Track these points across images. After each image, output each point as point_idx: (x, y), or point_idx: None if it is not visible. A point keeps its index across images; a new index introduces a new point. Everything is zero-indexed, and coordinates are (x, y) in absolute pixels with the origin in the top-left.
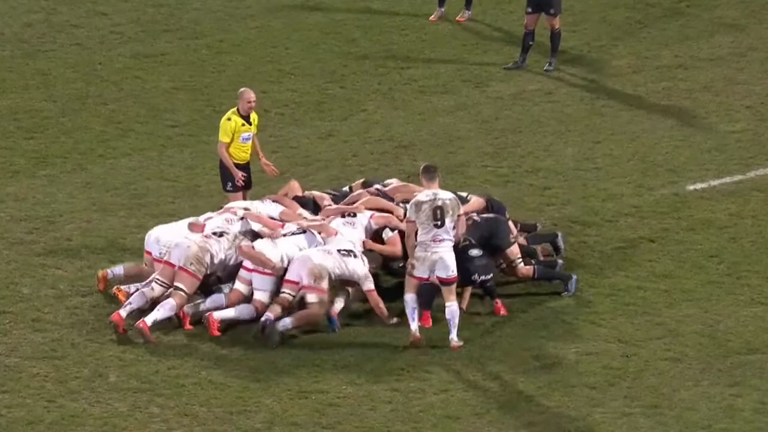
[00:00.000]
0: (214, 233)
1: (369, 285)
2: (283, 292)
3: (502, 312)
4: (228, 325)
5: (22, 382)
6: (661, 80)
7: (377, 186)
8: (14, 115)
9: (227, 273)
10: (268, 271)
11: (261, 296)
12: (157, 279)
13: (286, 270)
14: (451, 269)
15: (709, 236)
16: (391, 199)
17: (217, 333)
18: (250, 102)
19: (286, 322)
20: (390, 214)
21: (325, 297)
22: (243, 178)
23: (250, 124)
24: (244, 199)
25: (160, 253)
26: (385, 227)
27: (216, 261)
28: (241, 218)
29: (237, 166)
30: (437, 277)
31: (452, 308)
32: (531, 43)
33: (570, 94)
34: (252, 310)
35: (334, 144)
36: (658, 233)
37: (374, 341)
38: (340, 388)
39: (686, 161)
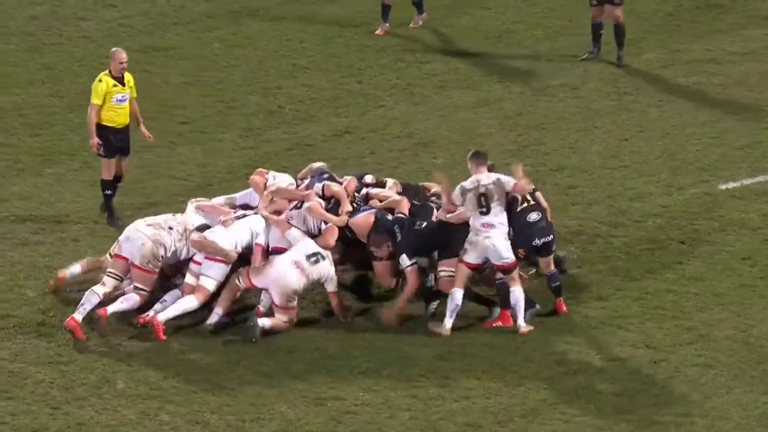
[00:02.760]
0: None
1: (332, 287)
2: (238, 280)
3: (564, 310)
4: (177, 327)
5: (27, 389)
6: (692, 75)
7: (367, 180)
8: (19, 111)
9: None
10: (221, 259)
11: (206, 283)
12: (110, 272)
13: (242, 259)
14: (504, 256)
15: (742, 237)
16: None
17: (163, 337)
18: (122, 62)
19: (266, 321)
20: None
21: (294, 315)
22: (97, 144)
23: (124, 86)
24: (119, 165)
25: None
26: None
27: (169, 254)
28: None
29: (112, 129)
30: (495, 265)
31: (516, 294)
32: (602, 31)
33: (596, 90)
34: (193, 301)
35: (351, 141)
36: (688, 234)
37: (391, 346)
38: (357, 394)
39: (718, 159)
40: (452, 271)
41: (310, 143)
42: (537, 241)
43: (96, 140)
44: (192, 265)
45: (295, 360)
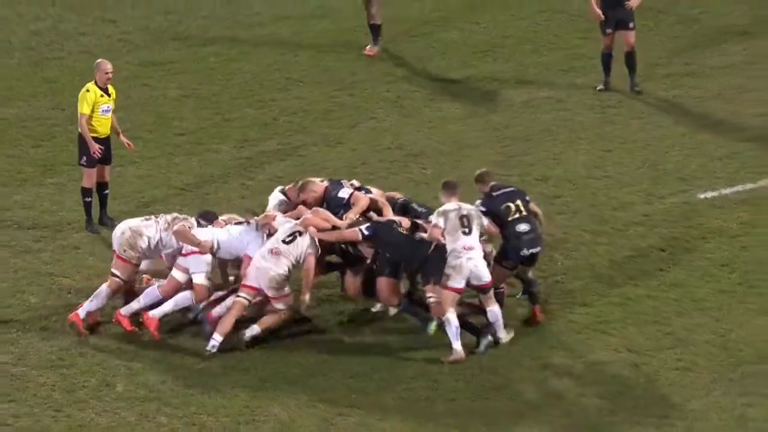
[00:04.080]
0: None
1: (310, 250)
2: (239, 296)
3: (540, 317)
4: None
5: (30, 392)
6: (672, 88)
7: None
8: (22, 123)
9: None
10: (197, 250)
11: (199, 279)
12: (112, 272)
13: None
14: (485, 276)
15: (720, 245)
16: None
17: (157, 335)
18: (107, 73)
19: (255, 330)
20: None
21: (291, 300)
22: (100, 151)
23: (109, 96)
24: (101, 174)
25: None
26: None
27: (152, 244)
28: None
29: (96, 140)
30: (473, 285)
31: (494, 310)
32: (612, 60)
33: (580, 102)
34: (188, 297)
35: (343, 152)
36: (668, 242)
37: (382, 351)
38: (349, 397)
39: (697, 169)
40: (437, 296)
41: (303, 154)
42: (525, 252)
43: (97, 146)
44: (179, 259)
45: (288, 364)
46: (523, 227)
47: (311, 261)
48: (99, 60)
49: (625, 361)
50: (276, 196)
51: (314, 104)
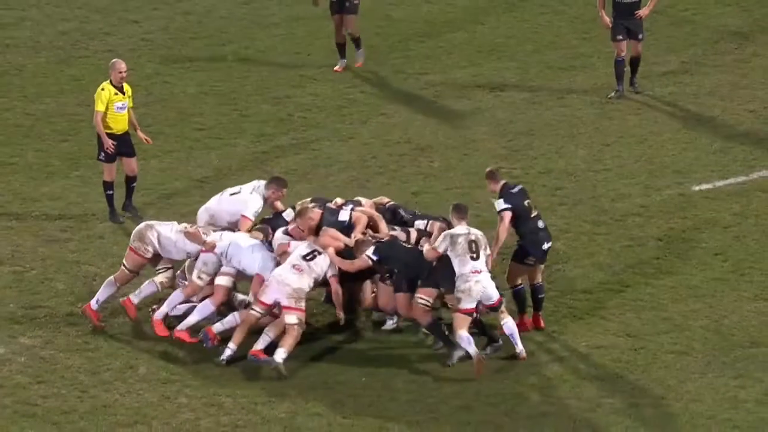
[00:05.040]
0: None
1: (332, 272)
2: (253, 309)
3: (541, 324)
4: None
5: (57, 374)
6: (668, 85)
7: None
8: (49, 118)
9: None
10: (207, 250)
11: (219, 281)
12: (122, 262)
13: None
14: (494, 296)
15: (714, 235)
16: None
17: (165, 333)
18: (121, 72)
19: (282, 353)
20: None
21: (303, 316)
22: (113, 147)
23: (123, 94)
24: (129, 167)
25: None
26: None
27: (163, 241)
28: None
29: (111, 136)
30: (483, 305)
31: (509, 324)
32: (625, 68)
33: (580, 99)
34: (210, 308)
35: (355, 146)
36: (665, 232)
37: (392, 338)
38: (360, 380)
39: (692, 163)
40: (428, 300)
41: (316, 148)
42: (545, 245)
43: (110, 142)
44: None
45: (302, 350)
46: (540, 223)
47: (335, 283)
48: (114, 60)
49: (624, 346)
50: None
51: (327, 101)
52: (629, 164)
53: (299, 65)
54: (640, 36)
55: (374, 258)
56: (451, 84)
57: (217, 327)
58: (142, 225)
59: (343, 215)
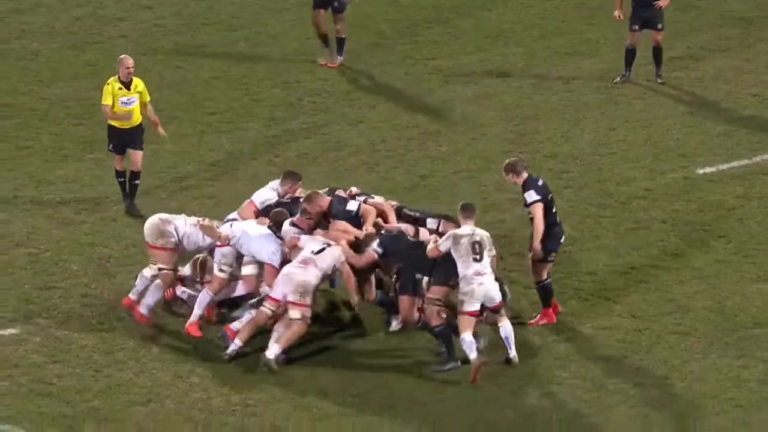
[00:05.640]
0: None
1: (342, 259)
2: (264, 306)
3: (545, 321)
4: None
5: (72, 353)
6: (673, 70)
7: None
8: (64, 102)
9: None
10: (223, 244)
11: (245, 271)
12: (158, 267)
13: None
14: (497, 298)
15: (718, 217)
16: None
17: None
18: (128, 68)
19: (275, 349)
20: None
21: (308, 312)
22: (116, 142)
23: (129, 90)
24: (134, 161)
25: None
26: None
27: (180, 235)
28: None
29: (118, 129)
30: (487, 308)
31: (506, 327)
32: (635, 57)
33: (586, 84)
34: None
35: (364, 130)
36: (669, 214)
37: (400, 334)
38: (369, 361)
39: (696, 146)
40: (440, 299)
41: (326, 132)
42: (562, 239)
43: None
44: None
45: (311, 331)
46: (558, 219)
47: (346, 268)
48: (122, 56)
49: (628, 326)
50: (266, 194)
51: (336, 85)
52: (634, 148)
53: (309, 51)
54: (659, 26)
55: (379, 251)
56: (459, 69)
57: (235, 325)
58: (155, 221)
59: (352, 205)
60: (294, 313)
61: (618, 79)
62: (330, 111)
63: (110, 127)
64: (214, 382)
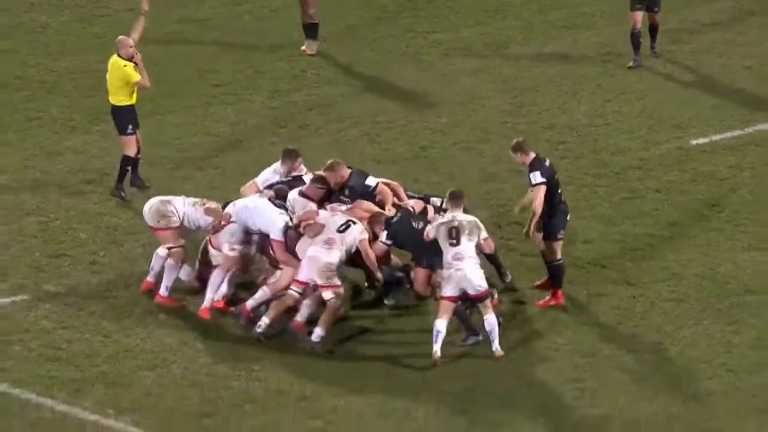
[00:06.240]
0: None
1: (362, 236)
2: (292, 290)
3: (554, 302)
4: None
5: (81, 320)
6: (667, 43)
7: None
8: (72, 75)
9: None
10: (225, 222)
11: (225, 249)
12: (167, 247)
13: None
14: (477, 284)
15: (711, 187)
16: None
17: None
18: (131, 47)
19: (319, 332)
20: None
21: (340, 290)
22: (136, 121)
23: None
24: (138, 140)
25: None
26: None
27: (180, 215)
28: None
29: (134, 108)
30: (469, 295)
31: (491, 320)
32: (641, 40)
33: (583, 57)
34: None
35: (366, 102)
36: (663, 184)
37: (410, 322)
38: (376, 331)
39: (690, 118)
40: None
41: (328, 104)
42: (568, 218)
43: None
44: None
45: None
46: (563, 197)
47: (365, 245)
48: (120, 37)
49: (623, 293)
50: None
51: (339, 58)
52: (629, 119)
53: None
54: (656, 9)
55: (389, 243)
56: (459, 42)
57: (250, 303)
58: (155, 203)
59: (370, 181)
60: (327, 294)
61: (631, 63)
62: (332, 83)
63: (130, 107)
64: (219, 348)
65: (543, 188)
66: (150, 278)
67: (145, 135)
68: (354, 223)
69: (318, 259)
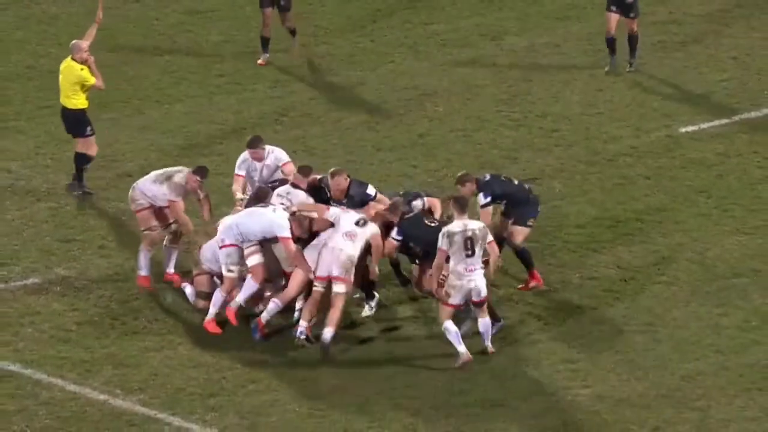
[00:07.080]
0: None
1: (378, 231)
2: (315, 287)
3: (534, 283)
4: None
5: (90, 302)
6: (657, 34)
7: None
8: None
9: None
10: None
11: (253, 261)
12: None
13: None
14: (483, 293)
15: (699, 173)
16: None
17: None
18: (86, 51)
19: (329, 332)
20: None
21: (351, 287)
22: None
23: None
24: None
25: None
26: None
27: (149, 194)
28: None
29: (86, 112)
30: (471, 300)
31: (485, 322)
32: (615, 46)
33: (576, 47)
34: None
35: (365, 92)
36: (653, 171)
37: (414, 326)
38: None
39: (679, 106)
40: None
41: (329, 93)
42: (539, 208)
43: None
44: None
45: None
46: (526, 186)
47: (377, 241)
48: (73, 41)
49: (615, 277)
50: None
51: (339, 49)
52: (621, 108)
53: (312, 16)
54: (632, 14)
55: (399, 239)
56: (455, 33)
57: (264, 317)
58: (133, 190)
59: (371, 190)
60: (339, 287)
61: (607, 68)
62: (333, 73)
63: (84, 110)
64: (225, 329)
65: (488, 210)
66: (170, 270)
67: (152, 123)
68: (367, 221)
69: (342, 251)
